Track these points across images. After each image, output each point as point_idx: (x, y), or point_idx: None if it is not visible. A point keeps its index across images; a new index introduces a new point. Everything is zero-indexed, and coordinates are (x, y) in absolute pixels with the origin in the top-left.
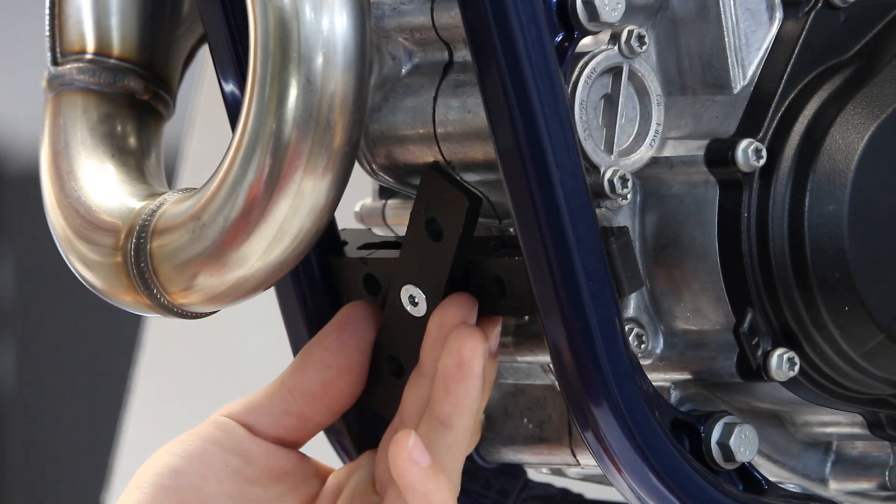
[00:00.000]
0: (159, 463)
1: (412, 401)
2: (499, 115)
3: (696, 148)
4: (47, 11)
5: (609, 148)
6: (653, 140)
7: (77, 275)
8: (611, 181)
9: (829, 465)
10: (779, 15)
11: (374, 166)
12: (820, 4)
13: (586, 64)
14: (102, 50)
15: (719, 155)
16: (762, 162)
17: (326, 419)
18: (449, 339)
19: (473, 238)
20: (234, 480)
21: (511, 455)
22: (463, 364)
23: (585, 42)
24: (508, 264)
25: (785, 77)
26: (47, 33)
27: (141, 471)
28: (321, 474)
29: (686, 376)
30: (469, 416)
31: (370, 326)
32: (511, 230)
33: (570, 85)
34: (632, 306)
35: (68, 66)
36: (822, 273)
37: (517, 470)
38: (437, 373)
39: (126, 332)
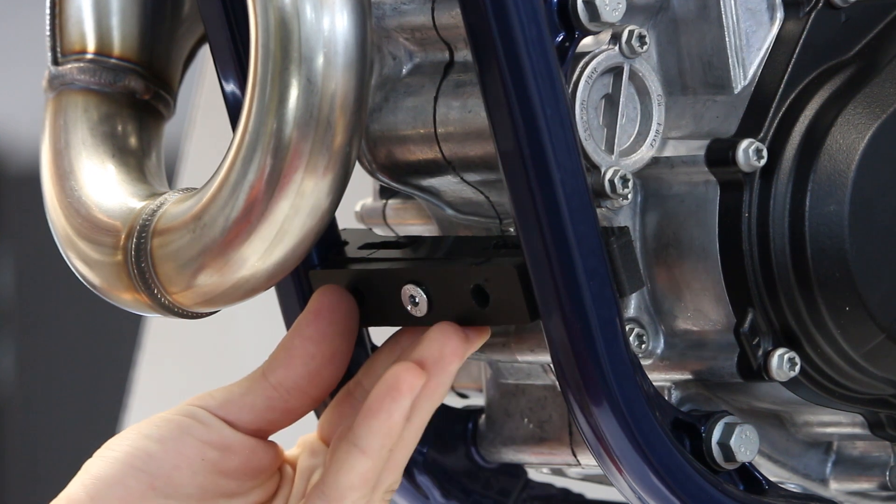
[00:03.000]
0: (131, 442)
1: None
2: (499, 115)
3: (697, 148)
4: (48, 11)
5: (610, 148)
6: (653, 140)
7: (77, 274)
8: (611, 181)
9: (829, 465)
10: (779, 15)
11: (374, 166)
12: (821, 4)
13: (587, 64)
14: (103, 50)
15: (720, 155)
16: (763, 162)
17: (310, 407)
18: (391, 369)
19: (471, 238)
20: (209, 473)
21: (511, 455)
22: (394, 390)
23: (586, 42)
24: (491, 271)
25: (786, 77)
26: (48, 33)
27: (110, 444)
28: (287, 461)
29: (687, 376)
30: (382, 446)
31: (346, 308)
32: (511, 230)
33: (571, 85)
34: (632, 306)
35: (69, 66)
36: (822, 273)
37: (518, 470)
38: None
39: (126, 332)
